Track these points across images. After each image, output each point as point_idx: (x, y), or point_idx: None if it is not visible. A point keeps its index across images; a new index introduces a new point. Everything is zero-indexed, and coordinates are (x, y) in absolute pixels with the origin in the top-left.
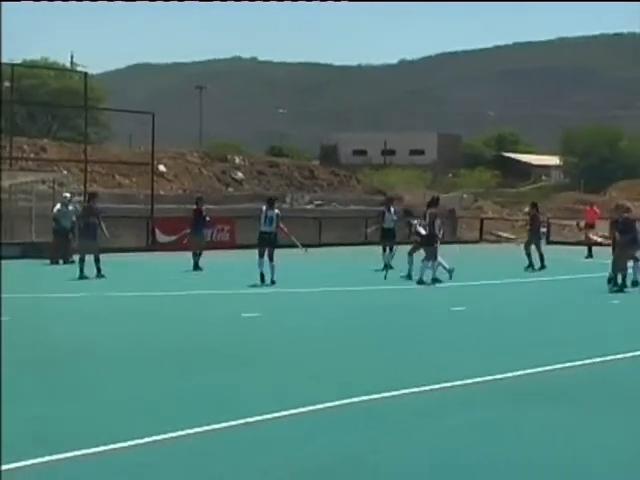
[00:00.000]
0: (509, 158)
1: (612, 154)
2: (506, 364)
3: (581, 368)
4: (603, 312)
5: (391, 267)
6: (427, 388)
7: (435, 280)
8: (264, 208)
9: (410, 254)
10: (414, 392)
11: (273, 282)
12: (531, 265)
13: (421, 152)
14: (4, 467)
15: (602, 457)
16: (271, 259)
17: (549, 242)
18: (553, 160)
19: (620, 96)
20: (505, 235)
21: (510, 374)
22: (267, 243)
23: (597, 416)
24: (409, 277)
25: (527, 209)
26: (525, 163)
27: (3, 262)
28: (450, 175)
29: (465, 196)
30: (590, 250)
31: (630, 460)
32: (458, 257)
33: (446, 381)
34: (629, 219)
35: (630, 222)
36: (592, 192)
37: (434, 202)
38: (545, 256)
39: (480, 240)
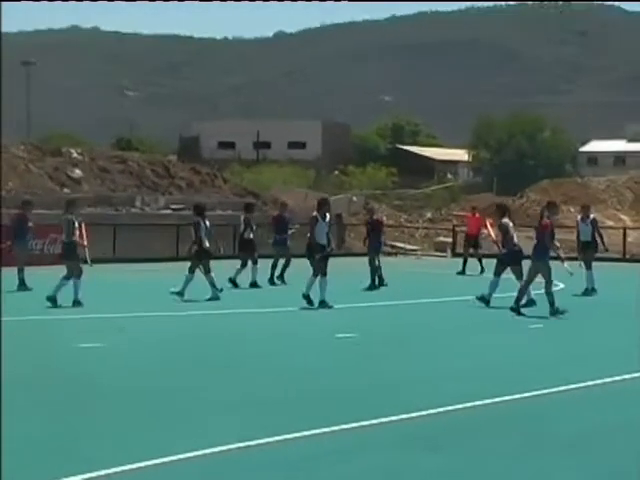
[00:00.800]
0: (408, 152)
1: (532, 148)
2: (401, 403)
3: (485, 408)
4: (516, 338)
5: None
6: (300, 434)
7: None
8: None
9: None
10: (286, 439)
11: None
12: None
13: (302, 145)
14: None
15: None
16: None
17: (455, 254)
18: (461, 155)
19: (542, 78)
20: (402, 246)
21: (405, 415)
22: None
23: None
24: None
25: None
26: (427, 158)
27: None
28: (337, 173)
29: (355, 198)
30: (465, 264)
31: None
32: (339, 272)
33: (324, 426)
34: (540, 224)
35: (542, 228)
36: (507, 194)
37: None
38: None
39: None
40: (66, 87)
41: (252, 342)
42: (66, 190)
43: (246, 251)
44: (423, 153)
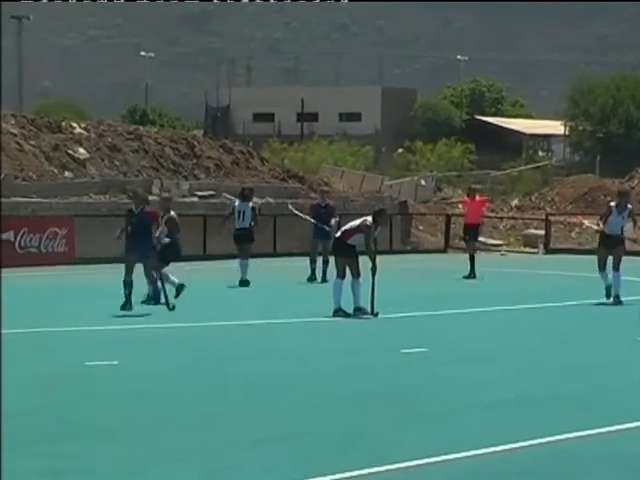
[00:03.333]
0: (489, 124)
1: None
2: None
3: (598, 440)
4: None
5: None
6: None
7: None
8: (237, 202)
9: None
10: None
11: (242, 282)
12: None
13: (357, 116)
14: None
15: None
16: (244, 257)
17: (549, 250)
18: (555, 127)
19: None
20: (483, 240)
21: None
22: (243, 240)
23: None
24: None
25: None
26: (513, 132)
27: None
28: (401, 150)
29: (424, 182)
30: (473, 264)
31: None
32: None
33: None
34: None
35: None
36: (614, 174)
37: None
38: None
39: (446, 248)
40: (64, 46)
41: (292, 361)
42: (68, 174)
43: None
44: (508, 126)
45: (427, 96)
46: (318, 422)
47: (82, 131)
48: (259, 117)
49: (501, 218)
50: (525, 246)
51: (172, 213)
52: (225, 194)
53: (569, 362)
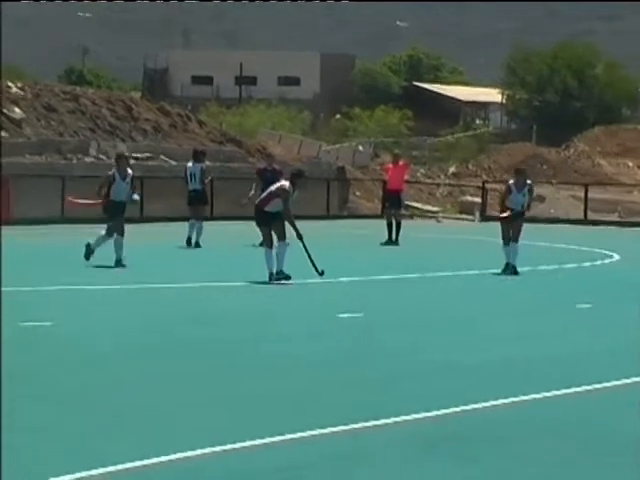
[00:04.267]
0: (427, 91)
1: (581, 87)
2: (419, 399)
3: (524, 406)
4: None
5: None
6: (294, 437)
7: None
8: (189, 164)
9: None
10: (274, 443)
11: (196, 244)
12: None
13: (295, 81)
14: None
15: None
16: (198, 219)
17: (485, 217)
18: (492, 95)
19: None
20: (419, 207)
21: (426, 414)
22: (196, 201)
23: None
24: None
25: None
26: (451, 99)
27: None
28: (339, 116)
29: (361, 148)
30: (390, 231)
31: None
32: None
33: (326, 427)
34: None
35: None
36: (550, 143)
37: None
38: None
39: (382, 214)
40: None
41: (231, 325)
42: (3, 134)
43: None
44: (446, 93)
45: (366, 62)
46: (255, 386)
47: (18, 91)
48: (197, 80)
49: (438, 185)
50: (461, 213)
51: (130, 171)
52: (163, 156)
53: (503, 330)
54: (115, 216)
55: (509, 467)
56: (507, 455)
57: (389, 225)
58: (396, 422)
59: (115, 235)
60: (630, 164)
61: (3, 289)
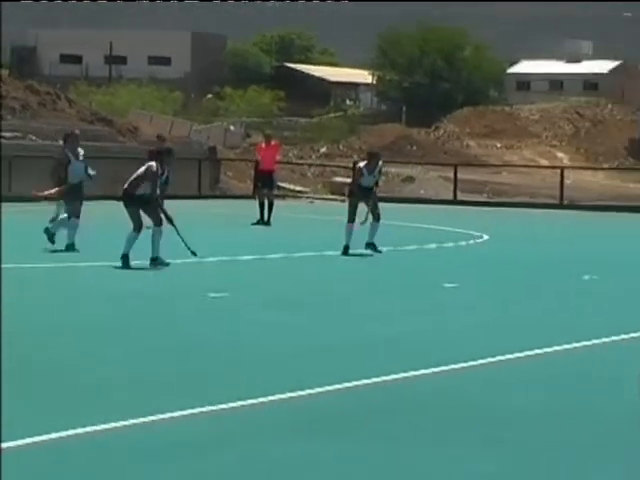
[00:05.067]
0: (298, 72)
1: (450, 69)
2: (287, 380)
3: (388, 385)
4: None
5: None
6: (156, 418)
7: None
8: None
9: None
10: (142, 424)
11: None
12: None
13: (166, 60)
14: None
15: None
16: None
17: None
18: (363, 76)
19: None
20: (292, 187)
21: (293, 394)
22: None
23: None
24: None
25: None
26: (322, 80)
27: None
28: (210, 96)
29: (232, 128)
30: (262, 211)
31: None
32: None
33: (192, 408)
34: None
35: None
36: (419, 124)
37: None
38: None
39: (254, 195)
40: None
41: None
42: None
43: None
44: (316, 73)
45: (238, 42)
46: (134, 367)
47: None
48: (66, 59)
49: (309, 165)
50: (332, 193)
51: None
52: (32, 136)
53: (370, 309)
54: (75, 199)
55: (381, 445)
56: (379, 433)
57: (261, 205)
58: (263, 402)
59: (72, 218)
60: (498, 145)
61: None
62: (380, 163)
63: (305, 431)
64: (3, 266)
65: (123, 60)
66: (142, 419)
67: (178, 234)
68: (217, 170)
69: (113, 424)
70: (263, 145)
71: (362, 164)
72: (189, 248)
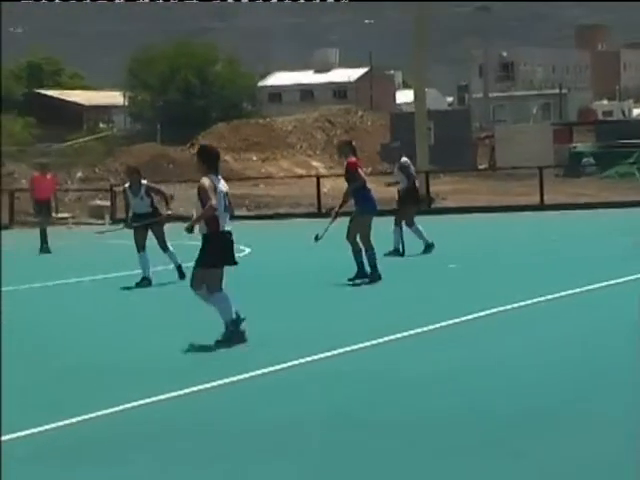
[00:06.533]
0: (49, 97)
1: (202, 85)
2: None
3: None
4: None
5: None
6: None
7: None
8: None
9: None
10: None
11: None
12: None
13: None
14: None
15: None
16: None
17: (115, 220)
18: (116, 98)
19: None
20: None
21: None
22: None
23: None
24: None
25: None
26: (74, 104)
27: None
28: None
29: None
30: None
31: None
32: None
33: None
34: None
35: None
36: (175, 142)
37: None
38: None
39: (12, 224)
40: None
41: None
42: None
43: None
44: (68, 98)
45: None
46: None
47: None
48: None
49: (66, 190)
50: (92, 217)
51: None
52: None
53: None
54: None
55: (157, 467)
56: (156, 455)
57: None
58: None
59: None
60: (254, 158)
61: None
62: (144, 182)
63: (78, 458)
64: None
65: None
66: None
67: None
68: None
69: None
70: (37, 175)
71: (127, 184)
72: None
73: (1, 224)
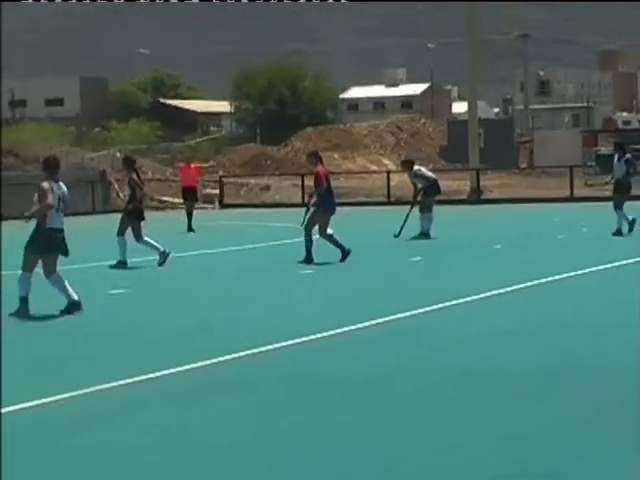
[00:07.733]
0: (169, 106)
1: (294, 97)
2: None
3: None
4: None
5: None
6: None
7: None
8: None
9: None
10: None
11: None
12: None
13: (59, 102)
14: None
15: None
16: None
17: (223, 205)
18: (224, 106)
19: (300, 24)
20: (169, 200)
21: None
22: None
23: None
24: None
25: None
26: (190, 111)
27: None
28: (98, 129)
29: (119, 154)
30: (190, 222)
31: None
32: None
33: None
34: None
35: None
36: (272, 143)
37: None
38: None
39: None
40: None
41: None
42: None
43: None
44: (185, 106)
45: (118, 84)
46: None
47: None
48: None
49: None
50: (205, 203)
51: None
52: None
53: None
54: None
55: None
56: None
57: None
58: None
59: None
60: (336, 156)
61: None
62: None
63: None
64: None
65: (24, 103)
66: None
67: None
68: (107, 189)
69: None
70: (182, 165)
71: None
72: None
73: (2, 216)
